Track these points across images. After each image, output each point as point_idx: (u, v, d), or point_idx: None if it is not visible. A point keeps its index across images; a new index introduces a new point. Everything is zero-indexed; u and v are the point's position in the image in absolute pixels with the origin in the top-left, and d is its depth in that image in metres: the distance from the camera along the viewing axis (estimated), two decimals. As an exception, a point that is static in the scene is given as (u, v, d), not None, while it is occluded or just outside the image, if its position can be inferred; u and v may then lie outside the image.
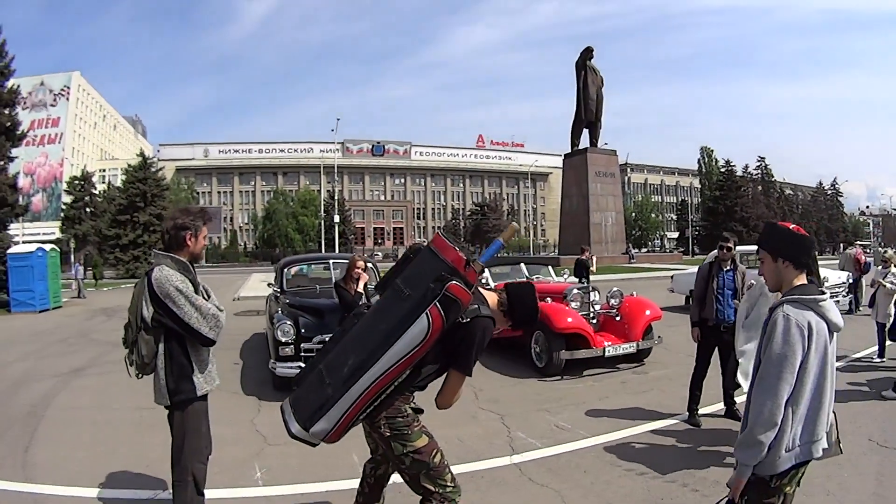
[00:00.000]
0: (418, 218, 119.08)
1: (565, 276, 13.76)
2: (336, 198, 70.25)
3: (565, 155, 48.72)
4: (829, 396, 2.85)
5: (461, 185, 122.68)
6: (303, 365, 8.15)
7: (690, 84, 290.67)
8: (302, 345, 8.81)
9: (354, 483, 4.39)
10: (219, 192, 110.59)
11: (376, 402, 3.29)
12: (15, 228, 76.55)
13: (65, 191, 72.68)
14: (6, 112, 29.26)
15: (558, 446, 6.40)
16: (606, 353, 9.78)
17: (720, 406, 7.41)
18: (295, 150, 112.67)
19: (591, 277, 19.21)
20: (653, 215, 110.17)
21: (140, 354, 4.03)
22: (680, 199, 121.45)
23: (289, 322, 8.99)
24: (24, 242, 30.93)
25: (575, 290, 10.72)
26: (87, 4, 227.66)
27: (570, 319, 9.79)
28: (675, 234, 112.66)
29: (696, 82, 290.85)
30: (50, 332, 9.45)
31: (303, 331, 8.88)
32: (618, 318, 10.65)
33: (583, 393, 8.79)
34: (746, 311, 6.48)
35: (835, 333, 2.87)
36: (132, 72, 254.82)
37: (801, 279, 2.96)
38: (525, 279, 12.95)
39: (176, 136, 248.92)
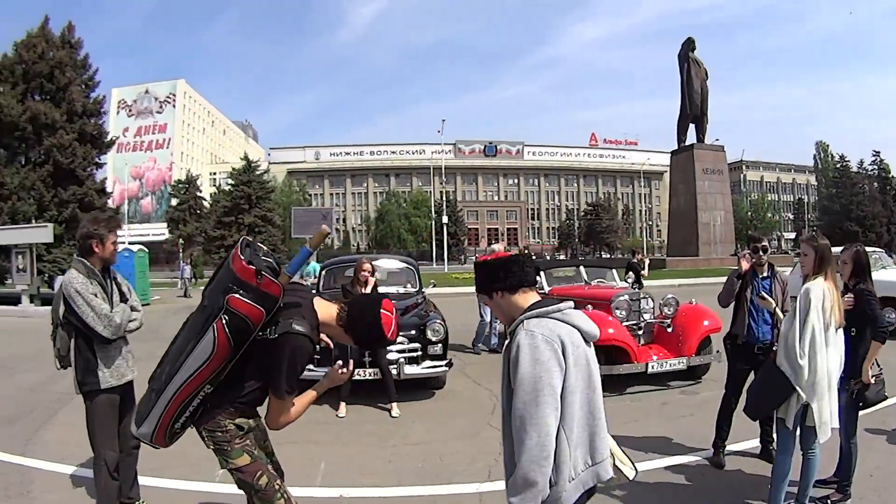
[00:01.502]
0: (532, 219, 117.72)
1: (630, 281, 12.65)
2: (446, 198, 70.26)
3: (672, 152, 47.11)
4: (602, 412, 2.62)
5: (575, 184, 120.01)
6: (314, 368, 8.34)
7: (805, 76, 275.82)
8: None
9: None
10: (331, 194, 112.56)
11: (186, 412, 3.15)
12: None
13: (170, 193, 74.88)
14: (92, 122, 31.23)
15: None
16: (650, 370, 8.61)
17: (754, 443, 6.09)
18: (407, 152, 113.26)
19: (675, 283, 18.07)
20: (769, 214, 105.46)
21: (57, 348, 4.64)
22: (796, 198, 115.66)
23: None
24: (130, 243, 32.55)
25: (621, 298, 9.54)
26: (192, 14, 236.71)
27: (611, 331, 8.66)
28: (793, 235, 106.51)
29: (811, 74, 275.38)
30: None
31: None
32: (669, 330, 9.46)
33: (612, 414, 7.42)
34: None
35: (591, 343, 2.62)
36: (242, 79, 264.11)
37: (531, 297, 2.65)
38: (584, 283, 12.22)
39: (287, 139, 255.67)
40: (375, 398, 8.45)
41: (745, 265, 5.91)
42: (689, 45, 45.16)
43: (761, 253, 5.80)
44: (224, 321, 2.95)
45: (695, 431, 6.73)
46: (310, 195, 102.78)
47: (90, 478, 5.07)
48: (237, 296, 2.96)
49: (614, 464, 2.76)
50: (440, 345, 9.01)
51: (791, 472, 4.51)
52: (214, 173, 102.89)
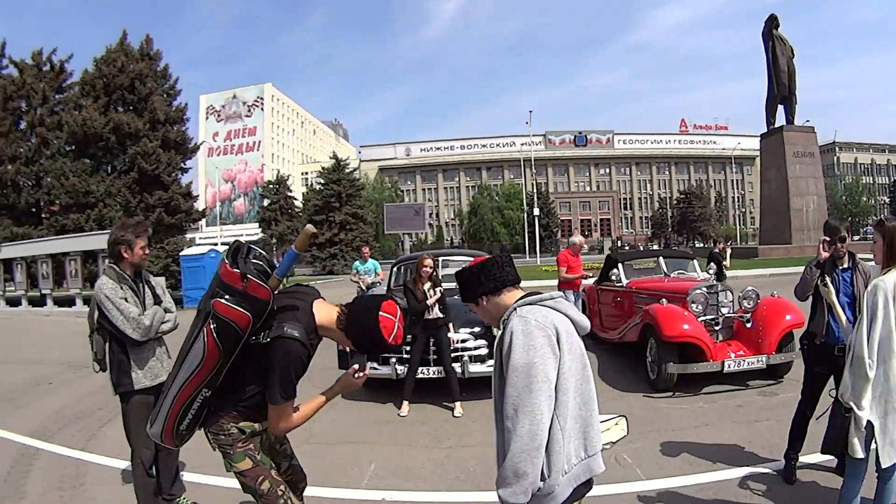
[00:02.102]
0: (625, 208, 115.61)
1: (712, 272, 11.93)
2: (536, 190, 69.86)
3: (761, 135, 44.38)
4: (595, 403, 2.54)
5: (666, 172, 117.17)
6: (378, 366, 8.49)
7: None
8: None
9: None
10: (423, 189, 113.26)
11: (188, 415, 3.12)
12: (213, 230, 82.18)
13: (261, 194, 76.26)
14: (175, 129, 32.53)
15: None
16: (726, 369, 7.92)
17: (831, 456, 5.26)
18: (497, 145, 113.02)
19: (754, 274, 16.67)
20: (864, 198, 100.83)
21: (94, 352, 4.73)
22: (893, 180, 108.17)
23: None
24: (222, 244, 34.12)
25: (697, 291, 8.83)
26: (276, 20, 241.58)
27: (686, 326, 8.11)
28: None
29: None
30: None
31: None
32: (749, 325, 8.71)
33: (683, 416, 7.23)
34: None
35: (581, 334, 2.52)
36: (329, 80, 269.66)
37: (516, 294, 2.60)
38: (663, 275, 11.60)
39: (378, 137, 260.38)
40: (441, 397, 8.21)
41: (823, 254, 5.18)
42: (772, 22, 42.43)
43: (839, 244, 5.07)
44: (212, 327, 2.90)
45: (770, 438, 6.12)
46: (402, 191, 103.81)
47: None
48: (223, 300, 2.90)
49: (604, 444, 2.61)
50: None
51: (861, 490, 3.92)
52: (306, 173, 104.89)
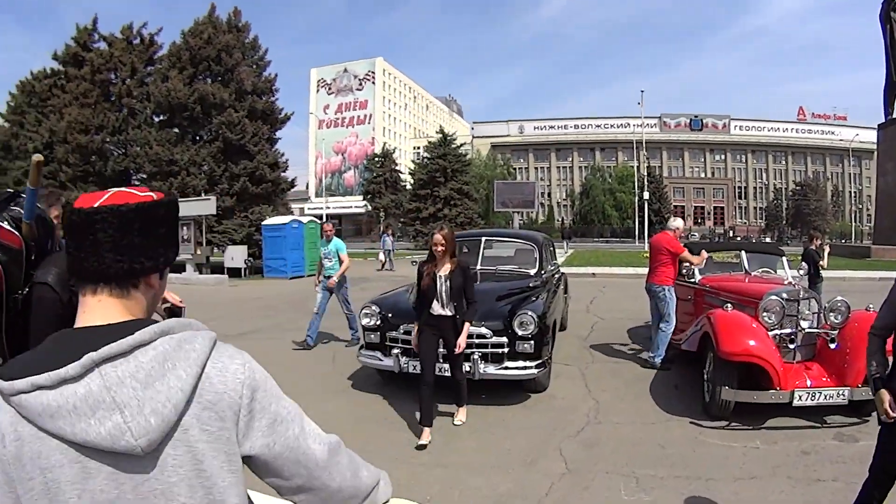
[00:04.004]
0: (740, 197, 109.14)
1: (802, 272, 9.97)
2: (647, 174, 68.04)
3: (879, 125, 38.83)
4: None
5: (783, 161, 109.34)
6: (382, 357, 7.65)
7: None
8: (388, 333, 7.63)
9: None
10: (535, 168, 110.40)
11: None
12: (318, 201, 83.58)
13: (366, 167, 76.21)
14: (263, 99, 33.21)
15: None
16: (795, 401, 6.12)
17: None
18: (611, 126, 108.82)
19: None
20: None
21: None
22: None
23: (374, 306, 7.87)
24: (329, 216, 35.28)
25: (773, 297, 6.91)
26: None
27: (750, 342, 6.40)
28: None
29: None
30: (273, 297, 9.24)
31: (390, 316, 7.70)
32: (833, 346, 6.72)
33: (728, 459, 5.53)
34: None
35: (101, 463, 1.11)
36: (444, 56, 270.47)
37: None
38: (743, 272, 9.80)
39: (494, 115, 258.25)
40: (448, 397, 6.94)
41: None
42: (890, 3, 37.22)
43: None
44: None
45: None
46: (514, 169, 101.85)
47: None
48: None
49: None
50: (531, 341, 7.19)
51: None
52: (418, 148, 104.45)
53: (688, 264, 9.63)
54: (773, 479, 5.08)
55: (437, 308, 6.33)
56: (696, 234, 76.55)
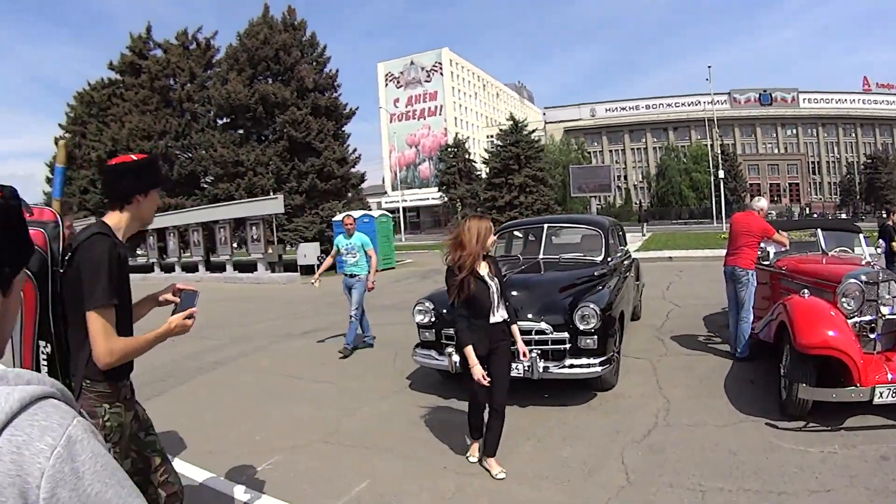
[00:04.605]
0: (813, 172, 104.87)
1: (880, 250, 9.18)
2: (722, 151, 66.31)
3: None
4: None
5: (852, 134, 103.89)
6: (437, 356, 7.24)
7: None
8: (443, 330, 7.24)
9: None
10: (610, 151, 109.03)
11: None
12: (395, 195, 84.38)
13: (439, 158, 76.14)
14: (325, 96, 33.00)
15: None
16: (876, 399, 5.48)
17: None
18: (682, 104, 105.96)
19: None
20: None
21: None
22: None
23: (428, 301, 7.43)
24: (403, 208, 35.72)
25: (852, 281, 6.28)
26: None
27: (830, 333, 5.73)
28: None
29: None
30: (342, 294, 9.30)
31: (445, 312, 7.17)
32: None
33: (802, 468, 4.95)
34: None
35: None
36: (511, 43, 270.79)
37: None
38: (821, 253, 9.01)
39: (565, 99, 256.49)
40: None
41: None
42: None
43: None
44: None
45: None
46: (588, 153, 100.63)
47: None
48: None
49: None
50: (594, 336, 6.67)
51: None
52: (491, 136, 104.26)
53: (763, 245, 8.90)
54: (851, 492, 4.52)
55: (490, 316, 5.22)
56: (772, 212, 74.41)
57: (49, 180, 40.49)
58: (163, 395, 8.38)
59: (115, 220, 2.95)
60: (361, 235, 10.27)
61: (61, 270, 2.78)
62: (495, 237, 5.58)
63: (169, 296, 3.18)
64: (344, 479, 5.15)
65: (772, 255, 9.03)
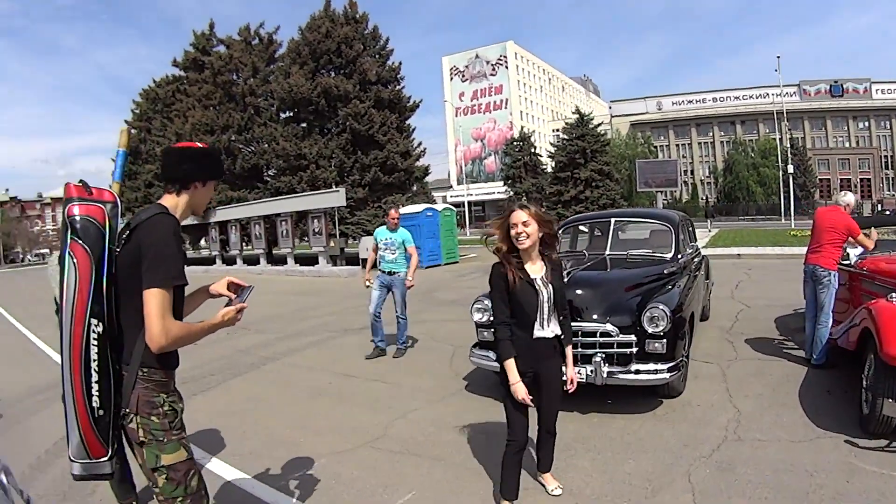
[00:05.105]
0: (885, 167, 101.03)
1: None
2: (791, 145, 64.66)
3: None
4: None
5: None
6: (494, 358, 5.48)
7: None
8: None
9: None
10: (676, 145, 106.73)
11: (91, 374, 2.67)
12: (461, 188, 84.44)
13: (505, 152, 75.75)
14: (388, 88, 33.27)
15: None
16: None
17: None
18: (749, 97, 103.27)
19: None
20: None
21: None
22: None
23: (487, 299, 6.68)
24: (468, 202, 36.25)
25: None
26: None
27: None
28: None
29: None
30: None
31: None
32: None
33: (886, 496, 4.38)
34: None
35: None
36: (576, 36, 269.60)
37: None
38: None
39: (629, 92, 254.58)
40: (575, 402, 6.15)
41: None
42: None
43: None
44: (74, 235, 2.69)
45: None
46: (655, 147, 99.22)
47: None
48: (71, 204, 2.73)
49: None
50: (662, 340, 6.18)
51: None
52: (557, 130, 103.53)
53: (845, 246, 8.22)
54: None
55: (535, 329, 4.24)
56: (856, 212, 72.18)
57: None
58: (211, 391, 8.29)
59: (172, 202, 2.96)
60: (404, 231, 9.83)
61: (118, 250, 2.77)
62: (535, 231, 4.19)
63: (223, 289, 3.18)
64: (387, 490, 4.86)
65: (853, 257, 8.35)
